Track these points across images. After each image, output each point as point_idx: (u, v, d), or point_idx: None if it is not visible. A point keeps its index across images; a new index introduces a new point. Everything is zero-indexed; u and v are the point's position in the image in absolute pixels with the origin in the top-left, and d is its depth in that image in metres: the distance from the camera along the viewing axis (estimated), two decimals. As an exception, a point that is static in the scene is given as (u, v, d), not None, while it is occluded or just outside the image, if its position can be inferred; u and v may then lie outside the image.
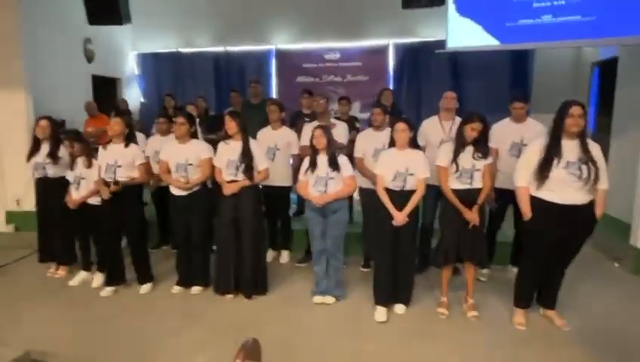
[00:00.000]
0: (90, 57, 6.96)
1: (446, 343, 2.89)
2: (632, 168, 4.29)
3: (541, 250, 2.95)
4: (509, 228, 3.87)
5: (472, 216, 3.07)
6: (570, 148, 2.79)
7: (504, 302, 3.34)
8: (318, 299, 3.45)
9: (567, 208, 2.79)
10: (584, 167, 2.75)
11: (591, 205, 2.85)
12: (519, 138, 3.60)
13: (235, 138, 3.45)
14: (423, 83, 6.94)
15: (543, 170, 2.80)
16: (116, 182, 3.49)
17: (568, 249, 2.97)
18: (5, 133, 5.17)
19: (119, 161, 3.52)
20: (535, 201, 2.89)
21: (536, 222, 2.90)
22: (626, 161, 4.81)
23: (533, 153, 2.87)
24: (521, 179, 2.93)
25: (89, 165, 3.66)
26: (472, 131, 3.03)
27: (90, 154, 3.71)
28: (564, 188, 2.78)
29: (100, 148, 3.65)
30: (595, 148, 2.82)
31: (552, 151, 2.78)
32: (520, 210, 2.99)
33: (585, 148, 2.77)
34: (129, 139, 3.61)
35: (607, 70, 5.60)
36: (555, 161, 2.77)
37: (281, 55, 7.44)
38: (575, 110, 2.74)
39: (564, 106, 2.80)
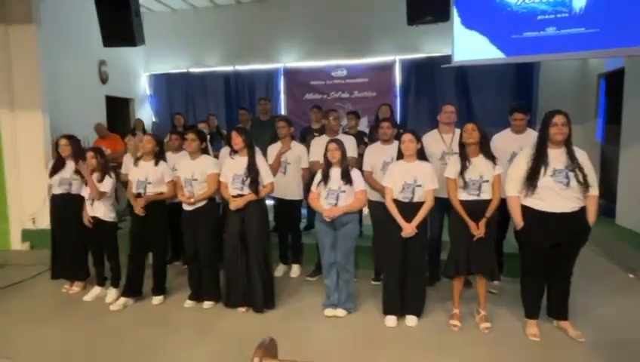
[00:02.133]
0: (104, 79, 7.18)
1: (459, 355, 2.87)
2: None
3: (536, 259, 2.97)
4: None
5: (477, 230, 3.07)
6: (557, 156, 2.83)
7: (516, 313, 3.31)
8: (329, 311, 3.45)
9: (556, 216, 2.82)
10: (571, 175, 2.79)
11: (582, 212, 2.86)
12: (519, 148, 3.62)
13: (241, 153, 3.53)
14: (430, 98, 7.01)
15: (531, 179, 2.85)
16: (139, 195, 3.63)
17: (564, 257, 2.96)
18: (22, 153, 5.32)
19: (149, 178, 3.67)
20: (525, 210, 2.93)
21: (528, 231, 2.94)
22: (635, 172, 4.79)
23: (522, 163, 2.92)
24: (512, 188, 2.98)
25: (101, 180, 3.76)
26: (465, 133, 3.10)
27: (106, 171, 3.81)
28: (552, 196, 2.82)
29: (132, 165, 3.83)
30: (581, 156, 2.86)
31: (539, 160, 2.84)
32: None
33: (571, 156, 2.81)
34: (159, 157, 3.74)
35: (613, 81, 5.63)
36: (542, 170, 2.82)
37: (290, 73, 7.59)
38: (558, 119, 2.81)
39: (547, 116, 2.88)
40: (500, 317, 3.33)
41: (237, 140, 3.50)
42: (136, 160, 3.81)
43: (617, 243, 4.72)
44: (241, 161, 3.51)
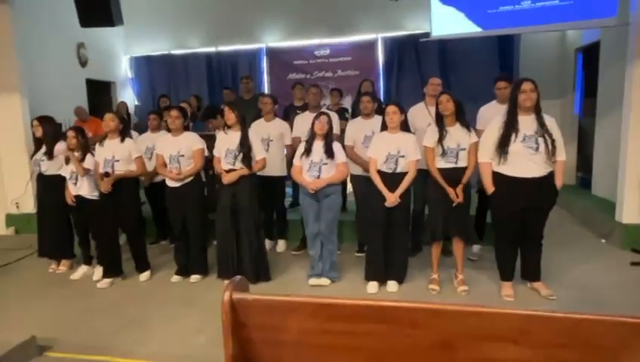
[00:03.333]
0: (83, 62, 7.07)
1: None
2: (616, 149, 4.42)
3: (506, 223, 3.09)
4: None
5: (457, 197, 3.17)
6: (527, 122, 2.93)
7: (493, 278, 3.44)
8: (313, 281, 3.55)
9: (526, 181, 2.94)
10: (540, 140, 2.90)
11: (551, 176, 2.98)
12: None
13: (234, 128, 3.57)
14: (413, 75, 7.05)
15: (502, 145, 2.95)
16: (107, 174, 3.61)
17: (534, 221, 3.08)
18: (2, 138, 5.26)
19: (117, 156, 3.65)
20: (496, 176, 3.04)
21: (499, 196, 3.05)
22: (610, 143, 4.93)
23: (494, 130, 3.02)
24: (484, 155, 3.08)
25: (82, 159, 3.77)
26: (440, 105, 3.18)
27: (87, 150, 3.82)
28: (522, 162, 2.93)
29: (97, 145, 3.78)
30: (550, 122, 2.96)
31: (510, 127, 2.93)
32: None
33: (541, 122, 2.92)
34: (124, 134, 3.73)
35: (590, 55, 5.73)
36: (513, 136, 2.92)
37: (272, 53, 7.55)
38: (526, 86, 2.91)
39: (515, 84, 2.99)
40: (477, 281, 3.47)
41: (230, 116, 3.54)
42: (102, 139, 3.77)
43: (592, 212, 4.89)
44: (234, 136, 3.55)
